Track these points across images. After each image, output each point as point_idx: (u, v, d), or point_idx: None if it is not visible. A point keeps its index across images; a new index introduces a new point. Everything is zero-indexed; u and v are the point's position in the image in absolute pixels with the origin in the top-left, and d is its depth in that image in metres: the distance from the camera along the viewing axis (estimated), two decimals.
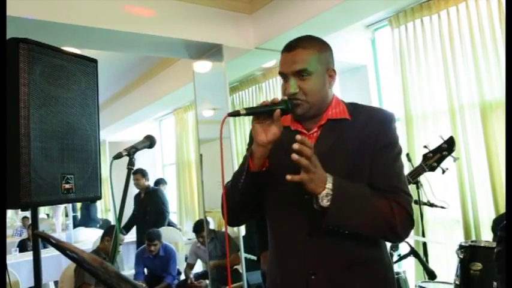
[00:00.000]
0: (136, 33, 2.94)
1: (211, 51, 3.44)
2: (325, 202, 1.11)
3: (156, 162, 8.28)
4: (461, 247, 1.92)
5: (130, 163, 1.39)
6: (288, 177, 1.08)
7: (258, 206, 1.33)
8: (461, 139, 3.21)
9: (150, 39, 3.07)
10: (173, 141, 7.32)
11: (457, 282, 1.82)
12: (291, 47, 1.24)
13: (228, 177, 1.33)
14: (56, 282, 5.04)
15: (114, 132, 7.82)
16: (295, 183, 1.13)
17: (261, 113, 1.18)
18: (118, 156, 1.37)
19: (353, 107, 1.30)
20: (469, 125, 3.22)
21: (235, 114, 1.15)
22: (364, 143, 1.23)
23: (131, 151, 1.40)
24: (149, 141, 1.54)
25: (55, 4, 2.61)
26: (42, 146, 1.55)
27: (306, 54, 1.22)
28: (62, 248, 0.84)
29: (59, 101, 1.63)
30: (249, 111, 1.16)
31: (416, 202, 2.59)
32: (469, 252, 1.84)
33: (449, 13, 3.34)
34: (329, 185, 1.11)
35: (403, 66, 3.69)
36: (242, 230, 3.58)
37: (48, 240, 0.81)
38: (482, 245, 1.89)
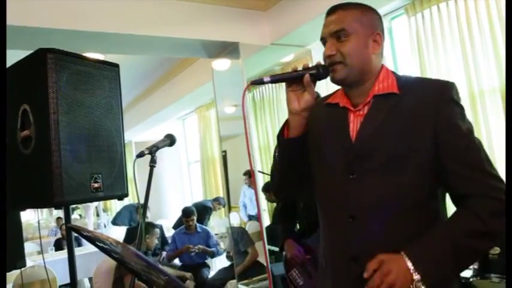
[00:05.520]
0: (155, 36, 3.05)
1: (229, 49, 3.52)
2: (421, 286, 0.99)
3: (181, 160, 8.45)
4: None
5: (152, 161, 1.48)
6: None
7: (303, 178, 1.26)
8: (483, 125, 3.18)
9: (168, 41, 3.18)
10: (197, 138, 7.46)
11: (475, 267, 1.84)
12: (331, 10, 1.18)
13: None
14: (90, 279, 5.26)
15: (140, 133, 8.02)
16: (339, 161, 1.13)
17: (287, 80, 1.14)
18: (140, 154, 1.46)
19: (405, 80, 1.18)
20: (490, 110, 3.18)
21: (259, 82, 1.12)
22: (421, 121, 1.09)
23: (152, 149, 1.49)
24: (169, 140, 1.63)
25: (78, 14, 2.74)
26: (71, 149, 1.63)
27: (346, 14, 1.14)
28: (92, 239, 0.93)
29: (84, 105, 1.71)
30: (274, 78, 1.13)
31: None
32: None
33: None
34: (411, 266, 1.00)
35: (421, 54, 3.66)
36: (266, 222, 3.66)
37: (80, 232, 0.90)
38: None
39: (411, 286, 0.99)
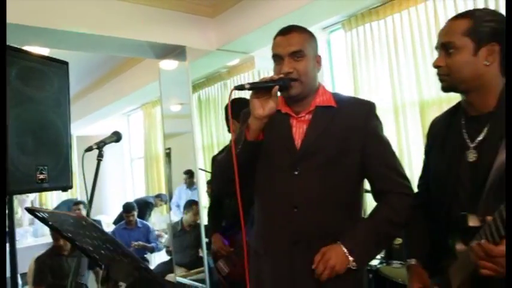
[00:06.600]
0: (103, 35, 3.11)
1: (176, 52, 3.64)
2: (353, 265, 1.29)
3: (124, 156, 8.38)
4: None
5: (100, 155, 1.61)
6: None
7: (249, 179, 1.40)
8: (403, 134, 3.56)
9: (116, 41, 3.24)
10: (141, 135, 7.44)
11: (382, 255, 2.14)
12: (286, 31, 1.36)
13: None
14: (22, 275, 5.13)
15: (83, 127, 7.85)
16: (284, 160, 1.33)
17: (263, 88, 1.27)
18: (89, 149, 1.59)
19: (338, 96, 1.43)
20: (410, 121, 3.56)
21: (240, 88, 1.25)
22: (353, 130, 1.36)
23: (100, 145, 1.63)
24: (116, 136, 1.76)
25: (25, 9, 2.74)
26: (18, 141, 1.70)
27: (301, 37, 1.34)
28: (46, 220, 1.07)
29: (33, 100, 1.78)
30: (252, 86, 1.26)
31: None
32: None
33: (394, 19, 3.66)
34: (347, 253, 1.28)
35: (354, 67, 3.98)
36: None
37: (35, 214, 1.02)
38: None
39: (348, 265, 1.28)
